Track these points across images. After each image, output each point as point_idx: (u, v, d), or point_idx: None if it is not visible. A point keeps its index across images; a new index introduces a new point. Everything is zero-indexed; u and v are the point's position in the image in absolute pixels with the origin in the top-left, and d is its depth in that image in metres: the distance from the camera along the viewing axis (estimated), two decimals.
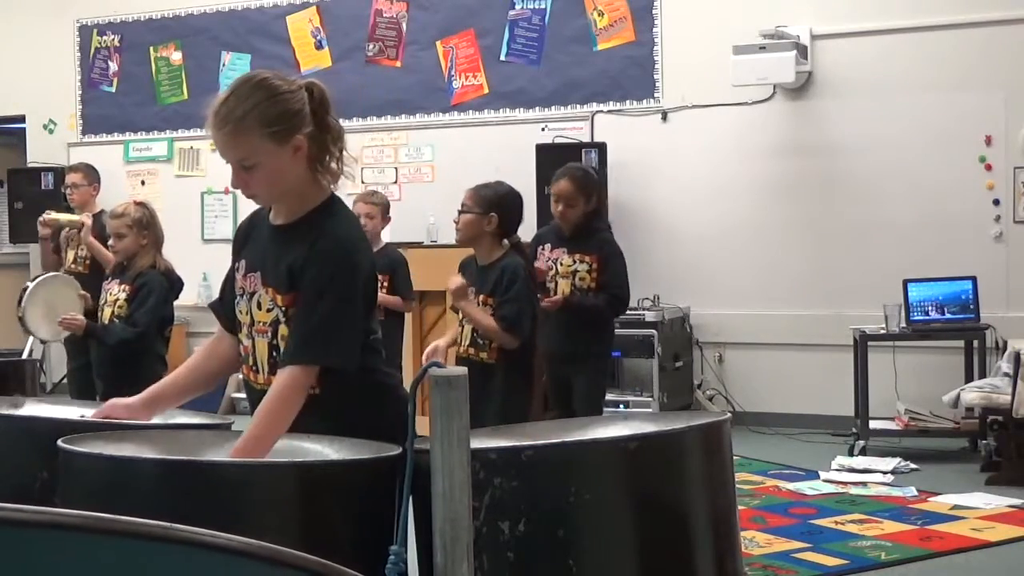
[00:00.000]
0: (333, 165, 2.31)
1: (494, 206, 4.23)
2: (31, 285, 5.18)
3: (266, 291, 2.30)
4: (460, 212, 4.29)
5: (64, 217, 6.56)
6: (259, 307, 2.31)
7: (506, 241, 4.30)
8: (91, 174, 6.95)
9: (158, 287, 4.76)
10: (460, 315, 4.30)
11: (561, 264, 4.89)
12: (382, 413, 2.25)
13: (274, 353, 2.29)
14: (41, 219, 6.59)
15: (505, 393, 4.12)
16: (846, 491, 5.75)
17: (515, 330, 4.11)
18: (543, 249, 4.98)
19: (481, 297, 4.22)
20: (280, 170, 2.25)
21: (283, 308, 2.27)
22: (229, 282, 2.45)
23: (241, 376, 2.43)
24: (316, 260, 2.23)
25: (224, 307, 2.47)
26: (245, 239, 2.44)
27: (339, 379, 2.25)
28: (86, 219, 6.36)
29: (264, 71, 2.33)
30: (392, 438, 2.08)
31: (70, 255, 6.53)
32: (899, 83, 7.29)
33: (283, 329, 2.27)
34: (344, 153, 2.33)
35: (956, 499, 5.49)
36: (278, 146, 2.23)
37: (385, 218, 5.95)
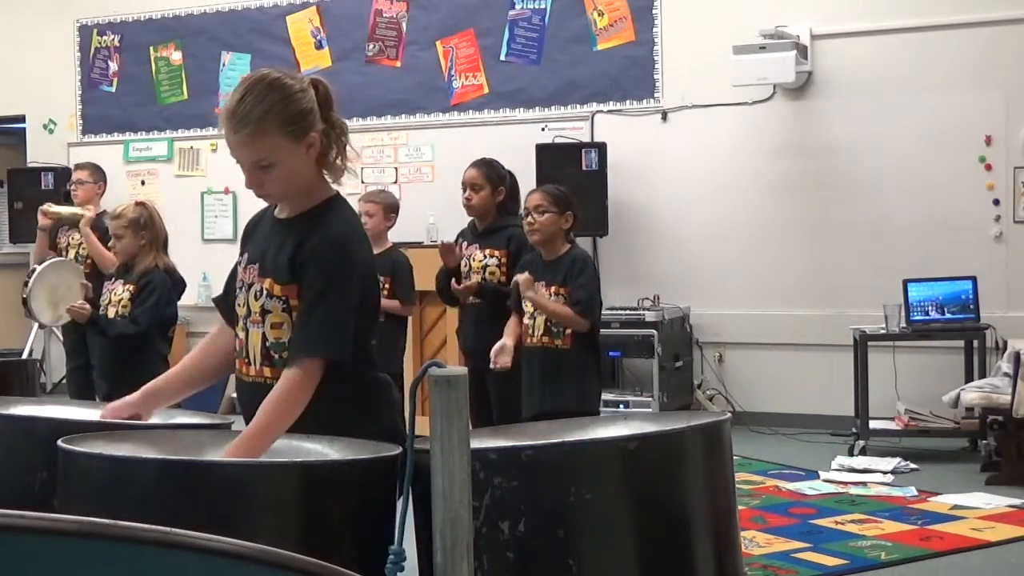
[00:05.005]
0: (338, 161, 2.35)
1: (569, 205, 4.45)
2: (40, 267, 5.17)
3: (262, 282, 2.32)
4: (534, 214, 4.40)
5: (66, 210, 6.58)
6: (255, 298, 2.33)
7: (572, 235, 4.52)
8: (97, 173, 6.99)
9: (161, 287, 4.76)
10: (530, 308, 4.40)
11: (473, 259, 4.97)
12: (375, 419, 2.28)
13: (265, 343, 2.31)
14: (42, 208, 6.60)
15: (581, 375, 4.33)
16: (846, 491, 5.75)
17: (588, 314, 4.30)
18: (461, 246, 5.07)
19: (553, 288, 4.36)
20: (295, 168, 2.30)
21: (280, 297, 2.28)
22: (233, 277, 2.47)
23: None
24: (315, 255, 2.26)
25: (227, 301, 2.49)
26: (251, 233, 2.49)
27: (334, 381, 2.24)
28: (88, 211, 6.37)
29: (272, 69, 2.35)
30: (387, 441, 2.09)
31: (70, 254, 6.53)
32: (899, 83, 7.29)
33: (273, 318, 2.29)
34: (348, 149, 2.37)
35: (956, 499, 5.49)
36: (295, 144, 2.27)
37: (388, 217, 5.68)
